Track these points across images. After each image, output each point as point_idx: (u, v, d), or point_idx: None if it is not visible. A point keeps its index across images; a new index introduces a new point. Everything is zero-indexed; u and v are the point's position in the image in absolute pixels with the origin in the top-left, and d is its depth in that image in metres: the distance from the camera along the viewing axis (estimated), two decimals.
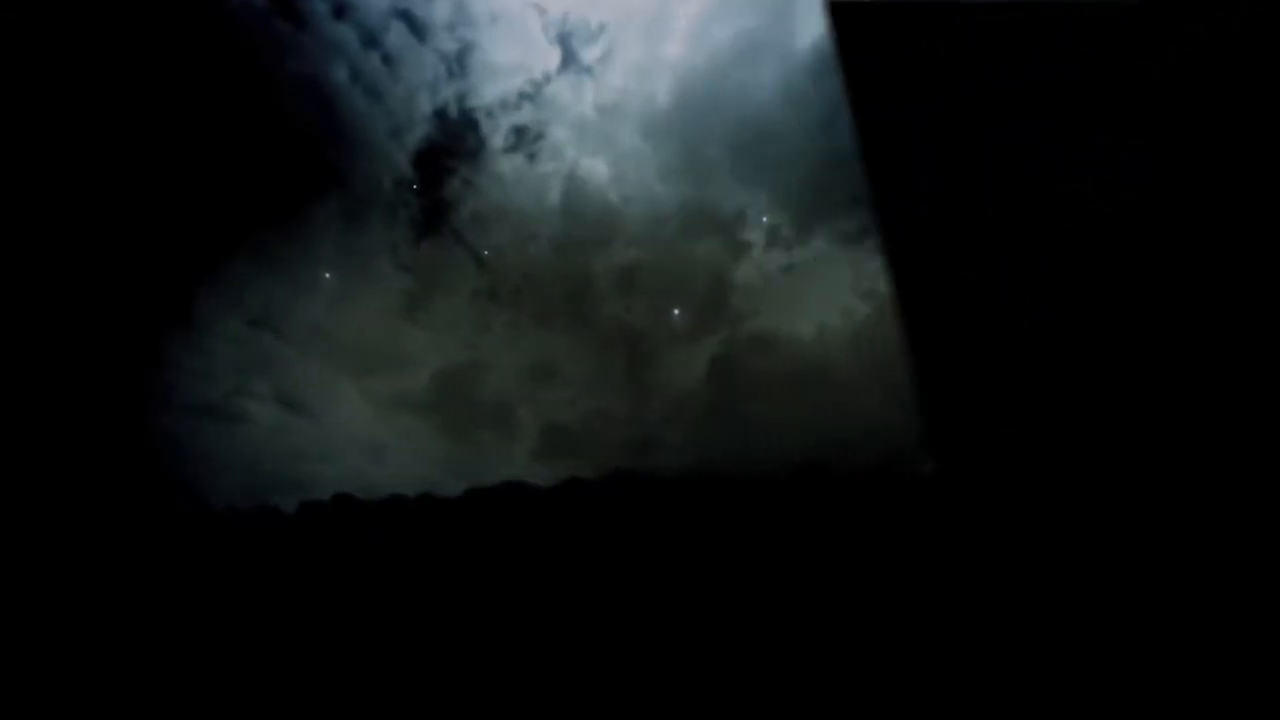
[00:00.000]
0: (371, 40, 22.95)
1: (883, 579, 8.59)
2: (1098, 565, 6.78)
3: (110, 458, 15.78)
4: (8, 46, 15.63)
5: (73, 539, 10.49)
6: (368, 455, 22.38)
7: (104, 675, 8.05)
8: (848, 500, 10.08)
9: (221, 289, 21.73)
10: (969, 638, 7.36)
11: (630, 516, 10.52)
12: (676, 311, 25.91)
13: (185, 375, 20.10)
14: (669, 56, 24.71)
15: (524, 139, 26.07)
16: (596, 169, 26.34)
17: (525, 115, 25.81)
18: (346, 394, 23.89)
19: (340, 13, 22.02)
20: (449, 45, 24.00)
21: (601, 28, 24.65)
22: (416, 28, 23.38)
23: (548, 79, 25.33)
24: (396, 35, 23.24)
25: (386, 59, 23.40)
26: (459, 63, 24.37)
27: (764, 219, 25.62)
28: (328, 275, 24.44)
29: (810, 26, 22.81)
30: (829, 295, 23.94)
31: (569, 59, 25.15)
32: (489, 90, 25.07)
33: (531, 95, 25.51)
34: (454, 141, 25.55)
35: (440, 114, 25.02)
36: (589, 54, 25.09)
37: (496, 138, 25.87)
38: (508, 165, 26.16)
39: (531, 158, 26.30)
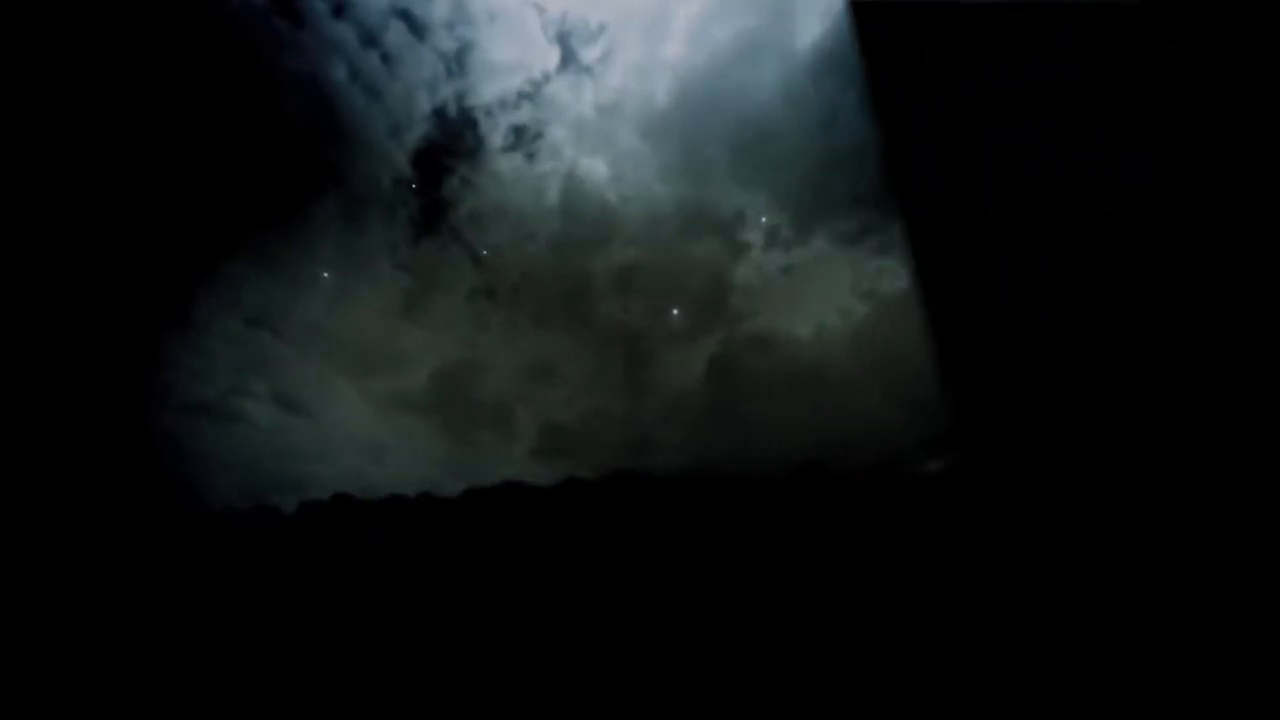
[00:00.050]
0: (370, 39, 22.92)
1: (883, 579, 8.59)
2: (1100, 566, 6.78)
3: (107, 457, 15.74)
4: (2, 44, 15.58)
5: (70, 538, 10.45)
6: (366, 455, 22.37)
7: (102, 675, 8.02)
8: (848, 500, 10.08)
9: (219, 288, 21.69)
10: (970, 638, 7.36)
11: (629, 516, 10.51)
12: (675, 311, 25.94)
13: (183, 374, 20.06)
14: (669, 56, 24.71)
15: (523, 138, 26.08)
16: (595, 169, 26.34)
17: (524, 114, 25.81)
18: (345, 393, 23.87)
19: (339, 11, 21.99)
20: (448, 44, 23.97)
21: (601, 27, 24.64)
22: (415, 26, 23.36)
23: (547, 78, 25.33)
24: (395, 34, 23.21)
25: (385, 58, 23.37)
26: (458, 62, 24.35)
27: (763, 219, 25.65)
28: (326, 274, 24.42)
29: (810, 27, 22.85)
30: (828, 295, 23.99)
31: (568, 58, 25.14)
32: (488, 89, 25.06)
33: (530, 95, 25.50)
34: (453, 140, 25.55)
35: (439, 113, 25.01)
36: (588, 54, 25.08)
37: (495, 137, 25.86)
38: (506, 164, 26.16)
39: (530, 157, 26.30)
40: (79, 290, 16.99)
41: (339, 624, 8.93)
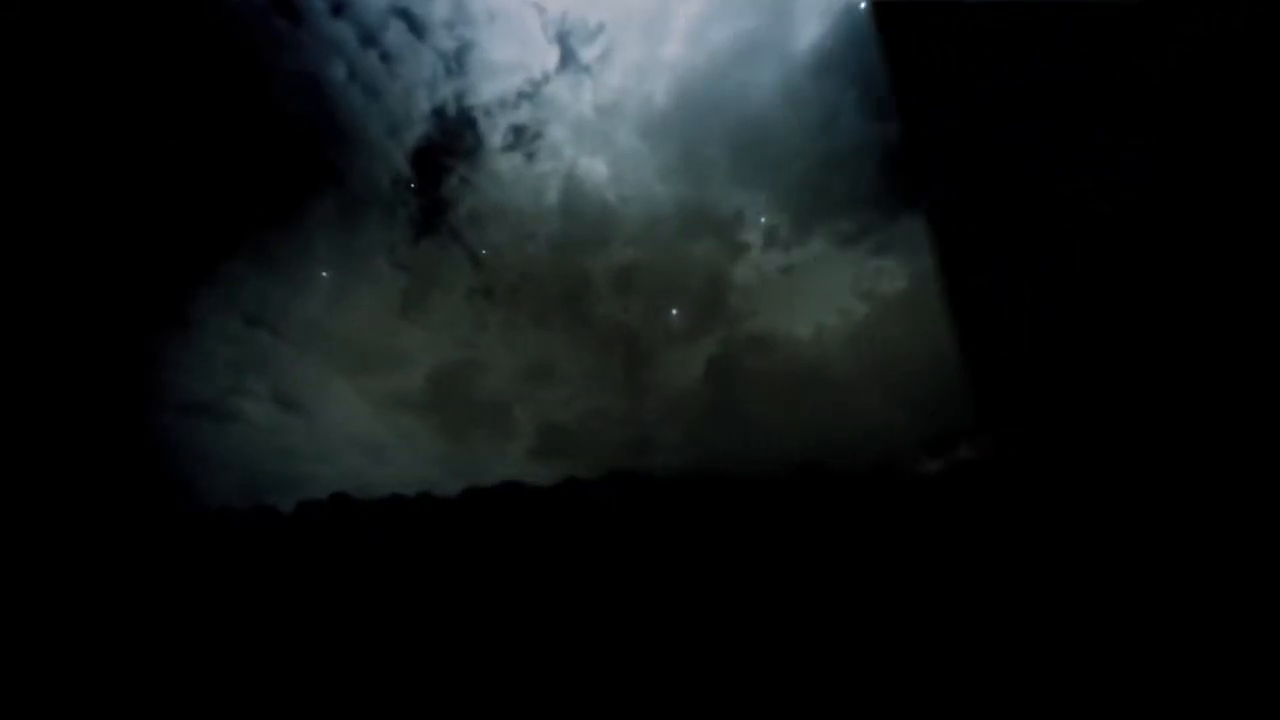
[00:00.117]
0: (370, 38, 22.88)
1: (883, 579, 8.59)
2: (1100, 567, 6.78)
3: (105, 456, 15.69)
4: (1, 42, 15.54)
5: (67, 538, 10.41)
6: (365, 454, 22.33)
7: (100, 675, 7.99)
8: (848, 500, 10.08)
9: (218, 287, 21.65)
10: (971, 639, 7.36)
11: (629, 516, 10.50)
12: (675, 311, 25.91)
13: (181, 374, 20.01)
14: (668, 56, 24.69)
15: (522, 138, 26.03)
16: (595, 169, 26.31)
17: (523, 114, 25.76)
18: (343, 393, 23.83)
19: (338, 10, 21.95)
20: (447, 43, 23.94)
21: (600, 27, 24.61)
22: (415, 26, 23.32)
23: (546, 78, 25.29)
24: (395, 33, 23.17)
25: (385, 57, 23.33)
26: (457, 61, 24.31)
27: (762, 219, 25.63)
28: (325, 274, 24.37)
29: (810, 27, 22.85)
30: (828, 295, 23.98)
31: (568, 58, 25.10)
32: (487, 89, 25.02)
33: (530, 94, 25.46)
34: (452, 140, 25.50)
35: (438, 112, 24.96)
36: (588, 53, 25.05)
37: (494, 137, 25.82)
38: (506, 164, 26.12)
39: (530, 157, 26.25)
40: (76, 289, 16.94)
41: (338, 624, 8.91)
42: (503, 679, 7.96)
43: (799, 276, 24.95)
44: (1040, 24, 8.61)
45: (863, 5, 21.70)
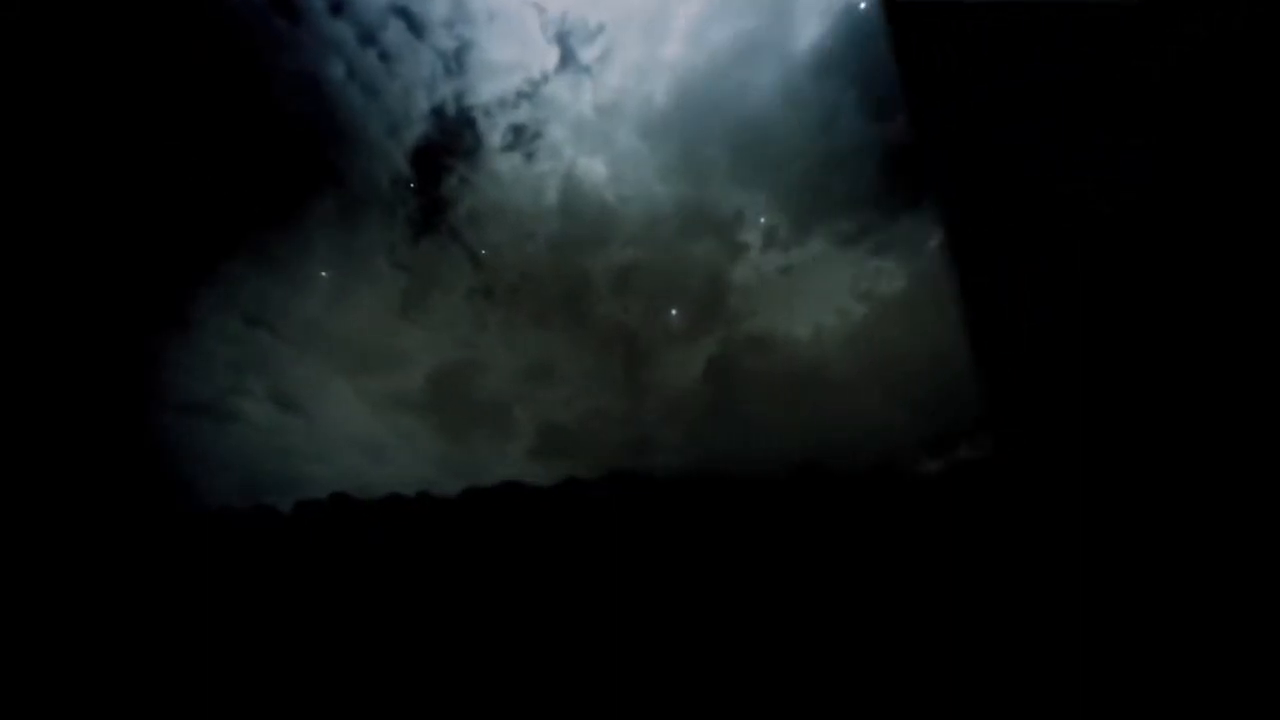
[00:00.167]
0: (369, 37, 22.85)
1: (883, 579, 8.59)
2: (1101, 568, 6.77)
3: (104, 456, 15.66)
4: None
5: (65, 538, 10.39)
6: (364, 454, 22.29)
7: (100, 675, 7.98)
8: (847, 500, 10.08)
9: (217, 287, 21.61)
10: (971, 640, 7.36)
11: (629, 516, 10.49)
12: (674, 311, 25.89)
13: (180, 373, 19.98)
14: (668, 56, 24.66)
15: (521, 138, 25.97)
16: (594, 169, 26.27)
17: (523, 114, 25.70)
18: (343, 393, 23.80)
19: (337, 9, 21.92)
20: (447, 43, 23.90)
21: (600, 27, 24.57)
22: (414, 25, 23.28)
23: (546, 78, 25.24)
24: (394, 32, 23.14)
25: (384, 56, 23.30)
26: (457, 61, 24.28)
27: (762, 220, 25.61)
28: (324, 273, 24.33)
29: (810, 27, 22.84)
30: (827, 296, 23.97)
31: (567, 58, 25.05)
32: (487, 89, 24.98)
33: (529, 94, 25.41)
34: (451, 140, 25.44)
35: (438, 112, 24.91)
36: (587, 53, 25.01)
37: (494, 136, 25.76)
38: (505, 164, 26.07)
39: (529, 157, 26.20)
40: (75, 289, 16.91)
41: (338, 624, 8.90)
42: (503, 679, 7.95)
43: (798, 277, 24.95)
44: (1040, 24, 8.61)
45: (862, 5, 21.73)
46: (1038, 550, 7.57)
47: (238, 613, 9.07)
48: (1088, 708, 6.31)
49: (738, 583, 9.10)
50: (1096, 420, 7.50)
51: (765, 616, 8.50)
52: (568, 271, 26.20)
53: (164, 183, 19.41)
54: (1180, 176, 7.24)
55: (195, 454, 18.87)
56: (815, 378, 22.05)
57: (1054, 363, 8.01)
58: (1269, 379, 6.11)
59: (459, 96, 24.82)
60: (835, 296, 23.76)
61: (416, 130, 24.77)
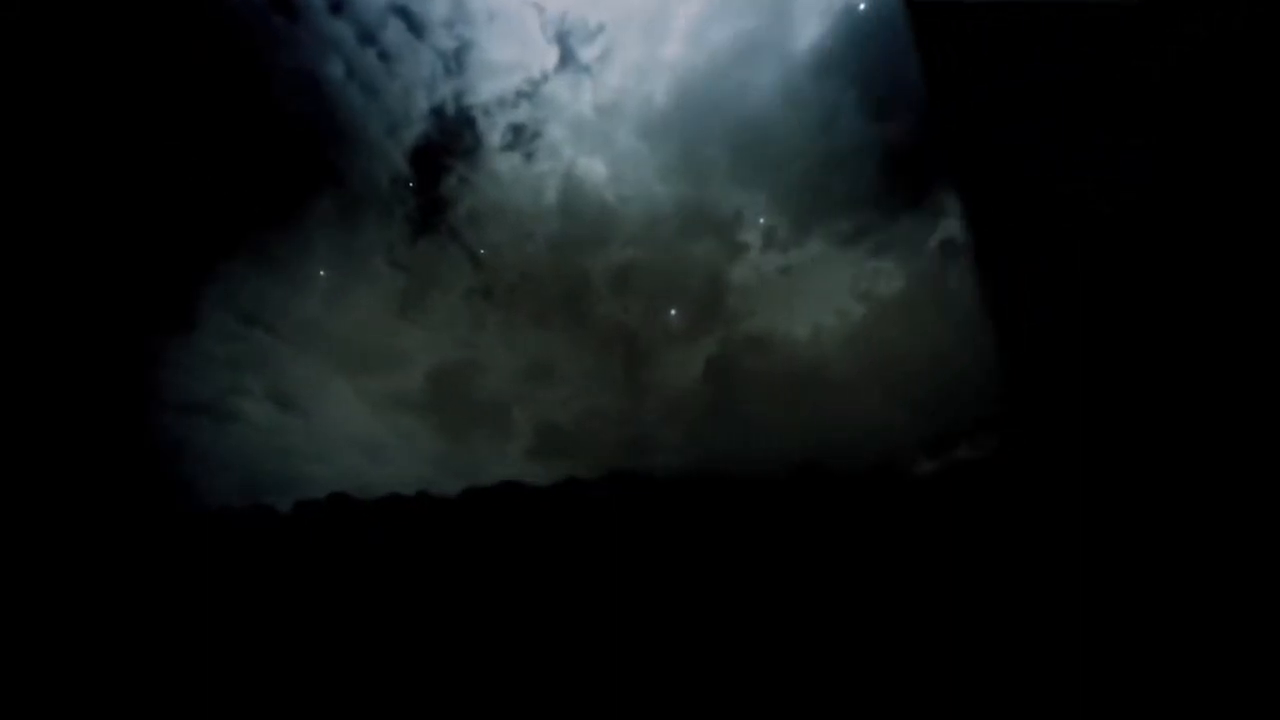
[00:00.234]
0: (368, 36, 22.83)
1: (882, 579, 8.59)
2: (1100, 569, 6.78)
3: (104, 456, 15.63)
4: None
5: (65, 538, 10.37)
6: (363, 454, 22.25)
7: (100, 674, 7.96)
8: (847, 500, 10.08)
9: (216, 286, 21.58)
10: (969, 638, 7.36)
11: (628, 516, 10.49)
12: (673, 311, 25.88)
13: (179, 373, 19.95)
14: (668, 56, 24.67)
15: (521, 138, 25.97)
16: (594, 168, 26.26)
17: (522, 114, 25.70)
18: (342, 392, 23.76)
19: (337, 8, 21.91)
20: (446, 42, 23.89)
21: (600, 27, 24.58)
22: (414, 24, 23.27)
23: (545, 78, 25.24)
24: (394, 32, 23.13)
25: (383, 55, 23.29)
26: (456, 60, 24.27)
27: (761, 220, 25.62)
28: (323, 273, 24.30)
29: (809, 27, 22.86)
30: (826, 296, 23.98)
31: (567, 58, 25.06)
32: (486, 88, 24.98)
33: (529, 94, 25.41)
34: (451, 139, 25.42)
35: (437, 111, 24.89)
36: (587, 53, 25.01)
37: (493, 136, 25.76)
38: (504, 164, 26.06)
39: (528, 157, 26.19)
40: (74, 289, 16.88)
41: (336, 623, 8.88)
42: (503, 679, 7.94)
43: (798, 277, 24.96)
44: (1040, 24, 8.62)
45: (862, 6, 21.74)
46: (1036, 549, 7.57)
47: (237, 612, 9.05)
48: (1086, 706, 6.31)
49: (737, 582, 9.09)
50: (1095, 418, 7.50)
51: (765, 616, 8.49)
52: (567, 271, 26.21)
53: (162, 182, 19.38)
54: (1180, 176, 7.25)
55: (195, 454, 18.83)
56: (814, 378, 22.06)
57: (1054, 362, 8.02)
58: (1269, 377, 6.11)
59: (458, 96, 24.83)
60: (834, 297, 23.78)
61: (416, 130, 24.79)
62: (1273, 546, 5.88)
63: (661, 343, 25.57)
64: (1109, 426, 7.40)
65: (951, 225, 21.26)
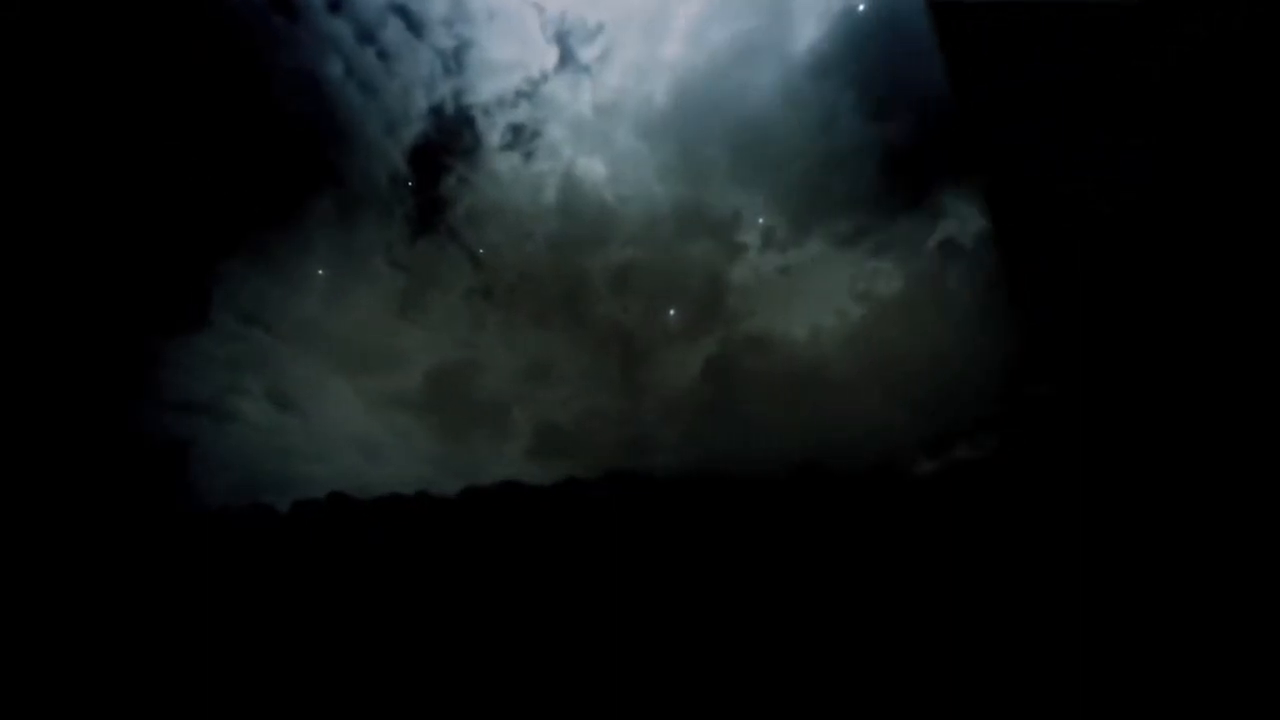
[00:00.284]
0: (367, 35, 22.83)
1: (881, 578, 8.58)
2: (1100, 569, 6.78)
3: (104, 456, 15.60)
4: None
5: (64, 538, 10.34)
6: (362, 454, 22.20)
7: (99, 674, 7.94)
8: (846, 500, 10.07)
9: (215, 286, 21.53)
10: (970, 639, 7.35)
11: (628, 516, 10.47)
12: (672, 311, 25.87)
13: (179, 373, 19.90)
14: (667, 56, 24.71)
15: (520, 137, 25.99)
16: (593, 168, 26.28)
17: (522, 113, 25.73)
18: (340, 392, 23.72)
19: (336, 7, 21.90)
20: (446, 42, 23.89)
21: (600, 27, 24.61)
22: (413, 23, 23.28)
23: (545, 77, 25.27)
24: (393, 31, 23.13)
25: (382, 55, 23.28)
26: (456, 60, 24.27)
27: (760, 220, 25.62)
28: (321, 272, 24.26)
29: (809, 28, 22.88)
30: (825, 296, 23.97)
31: (567, 58, 25.10)
32: (486, 88, 24.98)
33: (528, 93, 25.43)
34: (450, 139, 25.43)
35: (436, 111, 24.90)
36: (587, 53, 25.05)
37: (493, 136, 25.77)
38: (504, 164, 26.07)
39: (528, 156, 26.20)
40: (73, 289, 16.84)
41: (336, 623, 8.86)
42: (502, 678, 7.92)
43: (797, 277, 24.97)
44: (1040, 24, 8.62)
45: (861, 7, 21.76)
46: (1035, 548, 7.57)
47: (236, 611, 9.03)
48: (1087, 705, 6.30)
49: (737, 582, 9.08)
50: (1095, 417, 7.50)
51: (765, 615, 8.48)
52: (566, 271, 26.20)
53: (161, 181, 19.33)
54: (1180, 176, 7.25)
55: (194, 454, 18.78)
56: (814, 378, 22.05)
57: (1053, 361, 8.02)
58: (1269, 376, 6.12)
59: (458, 95, 24.83)
60: (834, 297, 23.78)
61: (415, 129, 24.79)
62: (1272, 546, 5.88)
63: (661, 343, 25.58)
64: (1108, 425, 7.41)
65: (951, 225, 21.29)
